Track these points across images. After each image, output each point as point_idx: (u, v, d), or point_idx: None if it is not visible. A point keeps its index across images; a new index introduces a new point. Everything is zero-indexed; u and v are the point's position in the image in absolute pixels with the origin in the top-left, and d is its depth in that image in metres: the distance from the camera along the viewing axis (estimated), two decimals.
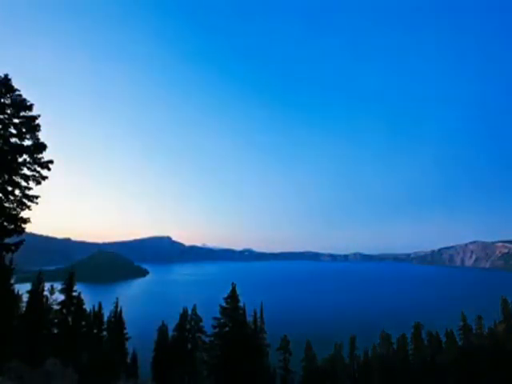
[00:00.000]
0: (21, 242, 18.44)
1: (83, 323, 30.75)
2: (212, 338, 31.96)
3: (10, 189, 17.44)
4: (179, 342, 39.78)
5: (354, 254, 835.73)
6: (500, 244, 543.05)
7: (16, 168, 17.36)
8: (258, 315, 38.42)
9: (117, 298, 44.68)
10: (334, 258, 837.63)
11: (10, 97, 17.35)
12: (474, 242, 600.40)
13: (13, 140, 17.74)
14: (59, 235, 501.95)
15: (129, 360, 42.29)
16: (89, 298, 42.63)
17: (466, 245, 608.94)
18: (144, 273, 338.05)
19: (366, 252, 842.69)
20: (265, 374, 30.96)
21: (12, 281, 15.77)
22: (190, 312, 42.62)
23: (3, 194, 17.23)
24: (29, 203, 18.39)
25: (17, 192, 17.85)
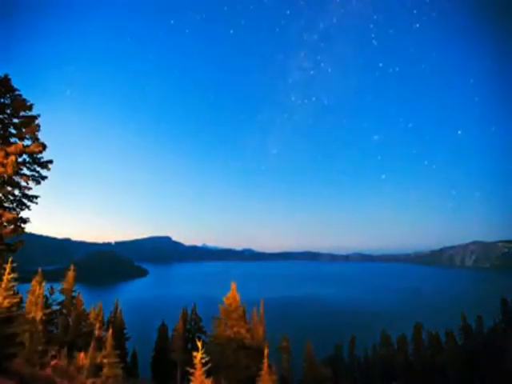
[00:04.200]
0: (21, 242, 18.44)
1: (83, 323, 30.74)
2: (212, 338, 31.94)
3: (9, 189, 17.43)
4: (179, 343, 39.76)
5: (354, 254, 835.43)
6: (500, 244, 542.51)
7: (16, 168, 17.35)
8: (258, 314, 38.38)
9: (117, 298, 44.71)
10: (334, 257, 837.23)
11: (10, 97, 17.36)
12: (474, 242, 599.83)
13: (13, 140, 17.75)
14: (59, 235, 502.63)
15: (129, 360, 42.28)
16: (89, 298, 42.58)
17: (466, 245, 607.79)
18: (144, 273, 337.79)
19: (366, 252, 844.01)
20: (264, 374, 30.90)
21: (12, 281, 15.75)
22: (189, 312, 42.63)
23: (3, 194, 17.23)
24: (29, 203, 18.40)
25: (16, 192, 17.85)
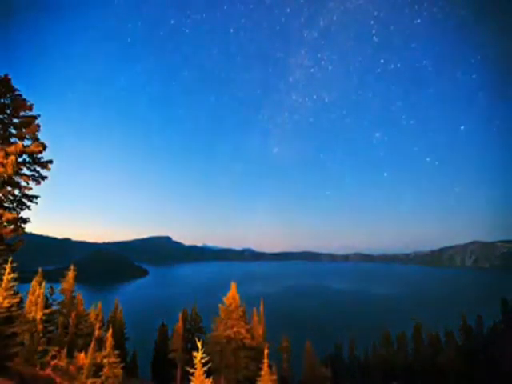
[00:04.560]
0: (21, 242, 18.45)
1: (83, 323, 30.73)
2: (212, 338, 31.93)
3: (9, 189, 17.43)
4: (179, 343, 39.76)
5: (355, 254, 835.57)
6: (500, 244, 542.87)
7: (16, 168, 17.35)
8: (258, 314, 38.43)
9: (116, 298, 44.69)
10: (334, 257, 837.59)
11: (10, 97, 17.36)
12: (474, 242, 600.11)
13: (13, 140, 17.75)
14: (59, 235, 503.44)
15: (129, 360, 42.27)
16: (89, 298, 42.63)
17: (466, 245, 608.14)
18: (144, 273, 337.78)
19: (366, 252, 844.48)
20: (264, 374, 30.96)
21: (12, 281, 15.76)
22: (189, 312, 42.63)
23: (3, 194, 17.22)
24: (29, 203, 18.41)
25: (16, 192, 17.85)
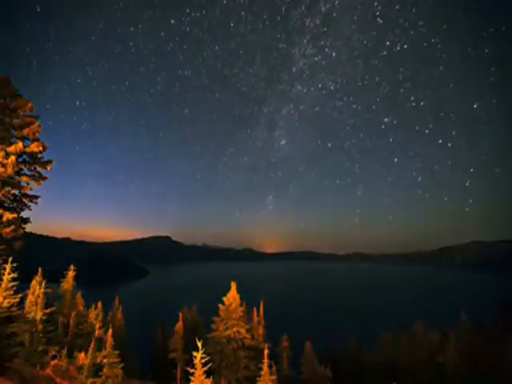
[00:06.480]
0: (21, 242, 18.47)
1: (83, 323, 30.75)
2: (212, 338, 31.93)
3: (9, 189, 17.45)
4: (179, 343, 39.78)
5: (355, 254, 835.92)
6: (500, 244, 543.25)
7: (16, 168, 17.36)
8: (258, 314, 38.42)
9: (117, 298, 44.67)
10: (334, 257, 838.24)
11: (11, 97, 17.38)
12: (474, 241, 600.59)
13: (13, 140, 17.76)
14: (59, 235, 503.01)
15: (128, 360, 42.29)
16: (89, 298, 42.51)
17: (466, 244, 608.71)
18: (144, 273, 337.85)
19: (366, 252, 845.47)
20: (264, 374, 30.96)
21: (12, 281, 15.77)
22: (190, 312, 42.65)
23: (3, 194, 17.24)
24: (29, 203, 18.44)
25: (16, 192, 17.88)
